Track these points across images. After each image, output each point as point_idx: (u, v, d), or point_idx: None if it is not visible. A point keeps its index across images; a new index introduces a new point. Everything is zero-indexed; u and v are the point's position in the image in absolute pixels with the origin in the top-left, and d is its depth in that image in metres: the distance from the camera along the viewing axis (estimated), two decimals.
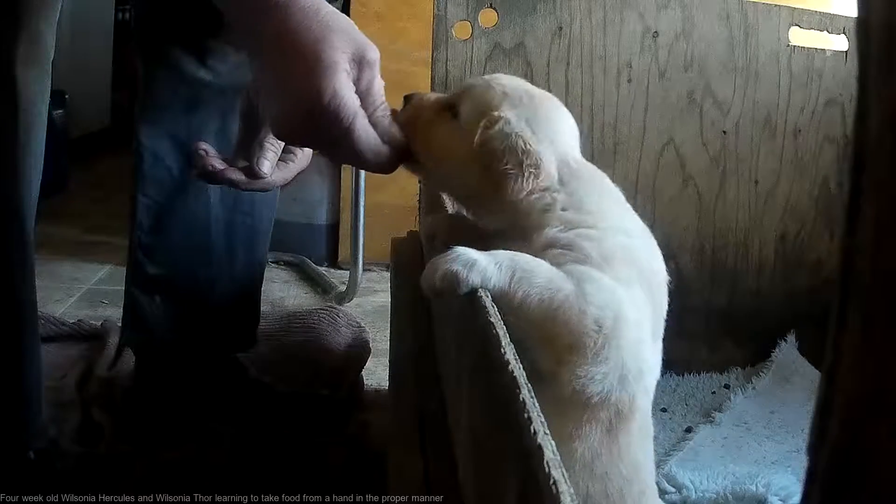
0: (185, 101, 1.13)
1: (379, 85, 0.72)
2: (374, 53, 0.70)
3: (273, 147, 0.87)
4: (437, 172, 0.74)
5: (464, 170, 0.70)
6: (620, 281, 0.63)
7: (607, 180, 0.73)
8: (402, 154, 0.73)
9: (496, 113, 0.69)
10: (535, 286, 0.59)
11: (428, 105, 0.74)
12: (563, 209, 0.68)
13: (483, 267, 0.59)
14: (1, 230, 0.92)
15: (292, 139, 0.77)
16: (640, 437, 0.65)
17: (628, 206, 0.73)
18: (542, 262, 0.62)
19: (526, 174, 0.66)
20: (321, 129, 0.69)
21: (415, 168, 0.75)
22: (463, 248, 0.60)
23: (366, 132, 0.70)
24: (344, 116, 0.68)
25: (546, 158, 0.68)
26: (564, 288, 0.60)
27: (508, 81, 0.73)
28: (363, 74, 0.70)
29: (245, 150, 0.90)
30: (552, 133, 0.71)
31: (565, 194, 0.68)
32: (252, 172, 0.85)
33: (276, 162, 0.87)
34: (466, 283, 0.58)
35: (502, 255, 0.61)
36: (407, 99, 0.76)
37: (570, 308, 0.59)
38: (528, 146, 0.67)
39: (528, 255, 0.62)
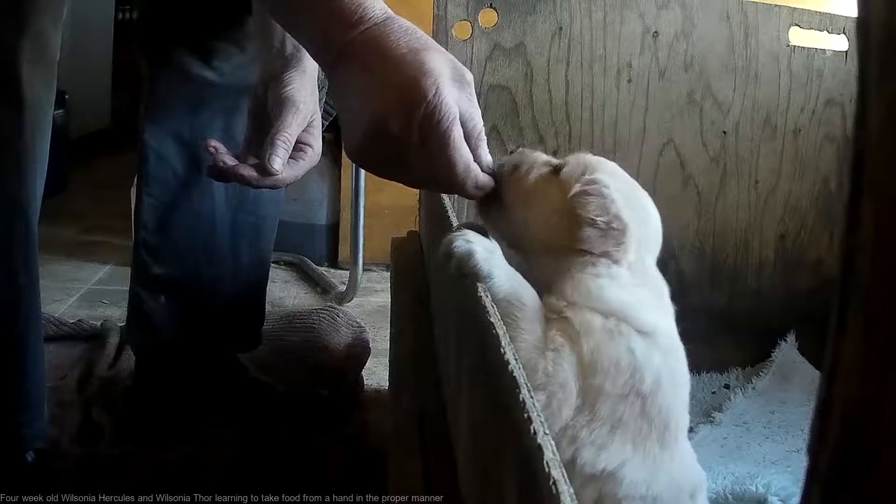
0: (190, 101, 1.13)
1: (477, 107, 0.67)
2: (470, 76, 0.67)
3: (284, 144, 0.87)
4: (515, 217, 0.74)
5: (548, 217, 0.71)
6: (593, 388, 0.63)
7: (666, 295, 0.73)
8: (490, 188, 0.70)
9: (599, 175, 0.70)
10: (509, 323, 0.61)
11: (533, 159, 0.75)
12: (609, 291, 0.67)
13: (494, 265, 0.62)
14: (6, 230, 0.92)
15: (374, 153, 0.67)
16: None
17: (671, 311, 0.72)
18: (535, 307, 0.64)
19: (610, 233, 0.67)
20: (416, 132, 0.63)
21: (489, 209, 0.75)
22: (488, 242, 0.64)
23: (462, 142, 0.65)
24: (444, 118, 0.63)
25: (630, 233, 0.68)
26: (522, 349, 0.61)
27: (619, 169, 0.75)
28: (462, 93, 0.66)
29: (255, 148, 0.90)
30: (641, 222, 0.71)
31: (620, 283, 0.68)
32: (263, 169, 0.85)
33: (287, 159, 0.87)
34: (475, 262, 0.61)
35: (512, 272, 0.64)
36: (514, 153, 0.77)
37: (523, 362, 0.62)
38: (620, 213, 0.68)
39: (531, 292, 0.65)
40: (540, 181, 0.73)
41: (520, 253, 0.74)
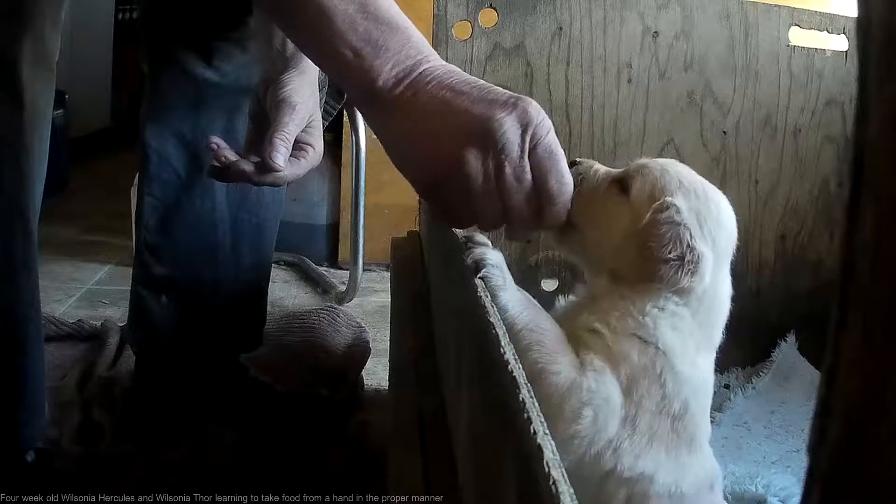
0: (191, 101, 1.13)
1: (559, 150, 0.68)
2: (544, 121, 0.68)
3: (285, 142, 0.87)
4: (587, 240, 0.73)
5: (620, 244, 0.70)
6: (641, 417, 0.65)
7: (720, 325, 0.73)
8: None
9: (669, 199, 0.69)
10: (537, 350, 0.62)
11: (597, 175, 0.75)
12: (664, 329, 0.67)
13: (508, 295, 0.63)
14: (5, 230, 0.92)
15: (436, 179, 0.68)
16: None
17: (715, 344, 0.72)
18: (556, 330, 0.65)
19: (685, 268, 0.66)
20: (478, 165, 0.65)
21: (562, 234, 0.74)
22: (502, 269, 0.64)
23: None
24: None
25: (705, 260, 0.68)
26: (562, 371, 0.62)
27: (683, 169, 0.73)
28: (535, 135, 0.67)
29: (256, 149, 0.90)
30: (716, 235, 0.71)
31: (678, 325, 0.67)
32: (265, 166, 0.85)
33: (288, 157, 0.87)
34: (493, 285, 0.62)
35: (524, 299, 0.65)
36: (573, 163, 0.76)
37: (556, 391, 0.62)
38: (694, 242, 0.67)
39: (545, 315, 0.66)
40: (608, 202, 0.72)
41: (588, 273, 0.73)
